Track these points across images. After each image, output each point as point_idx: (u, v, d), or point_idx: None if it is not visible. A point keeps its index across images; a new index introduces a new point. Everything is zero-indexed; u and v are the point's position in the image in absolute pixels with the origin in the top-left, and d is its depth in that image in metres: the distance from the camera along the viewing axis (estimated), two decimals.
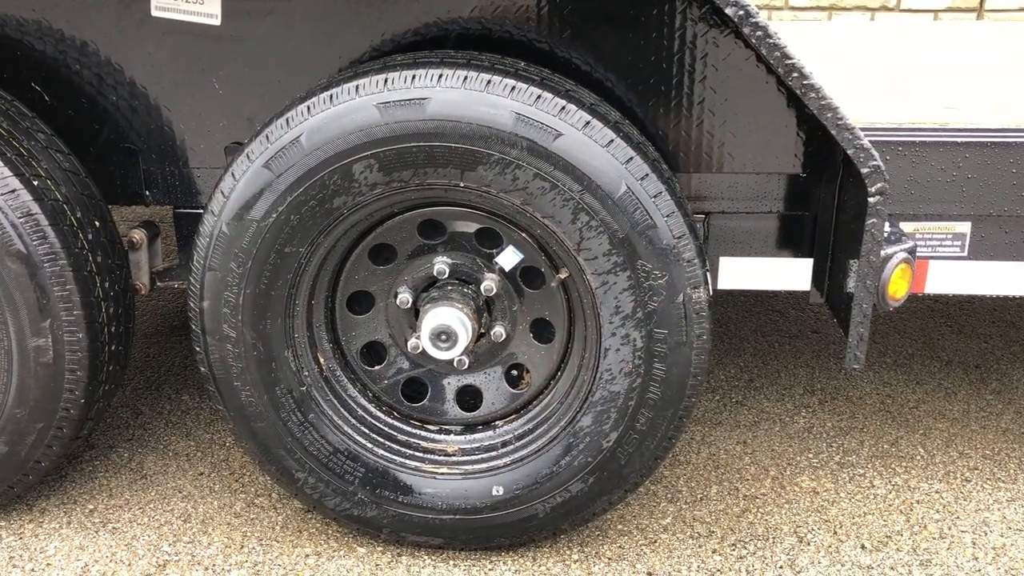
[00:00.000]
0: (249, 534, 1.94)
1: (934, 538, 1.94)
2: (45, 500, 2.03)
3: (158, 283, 1.97)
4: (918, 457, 2.21)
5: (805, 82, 1.53)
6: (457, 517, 1.79)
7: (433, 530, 1.81)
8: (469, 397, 1.86)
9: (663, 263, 1.60)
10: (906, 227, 1.88)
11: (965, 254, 1.90)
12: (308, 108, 1.58)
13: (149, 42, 1.78)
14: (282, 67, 1.78)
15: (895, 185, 1.81)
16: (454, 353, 1.71)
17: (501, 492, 1.77)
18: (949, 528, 1.96)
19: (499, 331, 1.78)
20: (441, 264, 1.74)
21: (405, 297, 1.76)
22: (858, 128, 1.55)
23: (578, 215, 1.58)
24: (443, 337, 1.70)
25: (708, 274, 1.67)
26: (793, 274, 1.94)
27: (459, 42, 1.73)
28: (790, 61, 1.52)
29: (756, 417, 2.38)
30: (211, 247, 1.65)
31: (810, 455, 2.22)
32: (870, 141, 1.73)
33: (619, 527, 1.96)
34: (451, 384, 1.85)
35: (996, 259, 1.89)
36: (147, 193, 1.93)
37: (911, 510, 2.02)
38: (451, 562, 1.85)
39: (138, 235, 1.95)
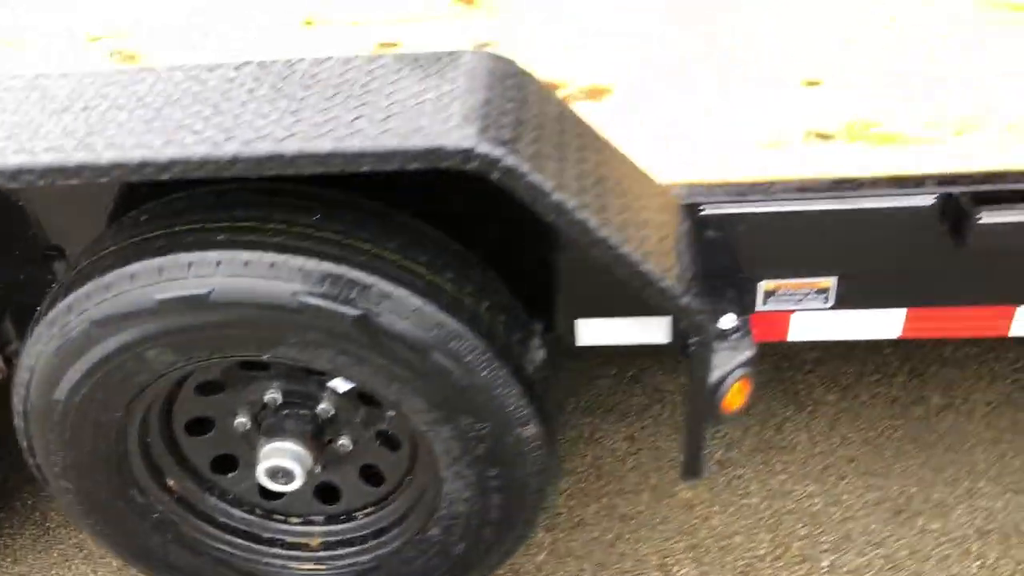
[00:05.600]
0: None
1: (795, 563, 2.02)
2: None
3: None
4: (800, 447, 2.25)
5: (613, 253, 1.38)
6: None
7: None
8: (329, 492, 1.88)
9: (484, 415, 1.54)
10: (769, 284, 1.79)
11: (830, 305, 1.81)
12: (88, 296, 1.46)
13: None
14: None
15: (754, 249, 1.71)
16: (293, 487, 1.70)
17: None
18: (811, 548, 2.04)
19: (344, 443, 1.76)
20: (273, 393, 1.69)
21: (242, 421, 1.72)
22: (675, 285, 1.42)
23: (391, 383, 1.51)
24: (279, 475, 1.68)
25: (542, 397, 1.62)
26: (653, 330, 1.87)
27: None
28: (609, 246, 1.37)
29: (649, 400, 2.39)
30: (28, 420, 1.61)
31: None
32: (730, 213, 1.64)
33: (498, 571, 2.05)
34: (310, 481, 1.86)
35: (861, 308, 1.82)
36: None
37: (779, 525, 2.08)
38: None
39: None
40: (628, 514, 2.13)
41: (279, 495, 1.87)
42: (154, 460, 1.76)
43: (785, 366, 2.45)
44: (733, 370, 1.59)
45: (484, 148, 1.29)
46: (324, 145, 1.30)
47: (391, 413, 1.67)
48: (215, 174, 1.31)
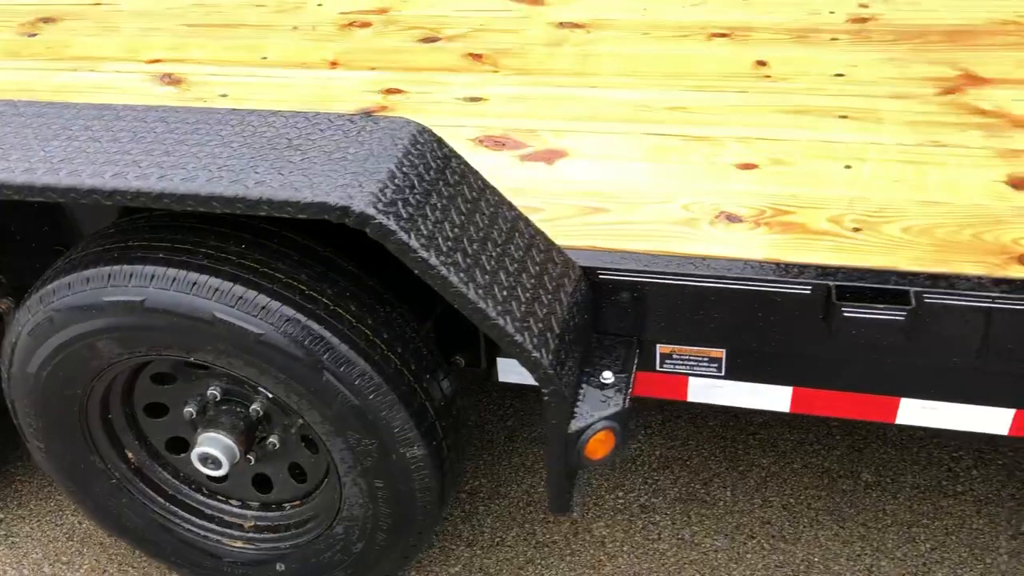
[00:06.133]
0: (113, 558, 2.35)
1: None
2: None
3: None
4: (721, 503, 2.37)
5: (471, 307, 1.58)
6: None
7: None
8: (265, 482, 2.14)
9: (371, 432, 1.77)
10: (665, 347, 1.95)
11: (722, 374, 1.95)
12: (54, 291, 1.77)
13: None
14: None
15: (648, 315, 1.87)
16: (221, 473, 1.96)
17: (283, 569, 2.09)
18: None
19: (273, 441, 2.01)
20: (214, 389, 1.96)
21: (189, 411, 1.99)
22: (527, 340, 1.61)
23: (290, 394, 1.76)
24: (209, 462, 1.95)
25: (435, 424, 1.83)
26: None
27: None
28: (468, 301, 1.57)
29: None
30: (11, 386, 1.93)
31: (619, 494, 2.41)
32: (620, 278, 1.81)
33: (412, 574, 2.26)
34: (247, 471, 2.13)
35: (750, 381, 1.95)
36: None
37: (679, 573, 2.22)
38: None
39: (4, 304, 2.23)
40: (544, 542, 2.31)
41: (224, 479, 2.14)
42: (115, 434, 2.06)
43: (731, 425, 2.57)
44: (596, 422, 1.75)
45: (359, 207, 1.52)
46: (232, 190, 1.56)
47: (300, 420, 1.91)
48: (147, 205, 1.59)
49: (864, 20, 2.74)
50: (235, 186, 1.56)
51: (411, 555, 2.01)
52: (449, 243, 1.60)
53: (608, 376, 1.82)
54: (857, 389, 1.90)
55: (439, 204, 1.64)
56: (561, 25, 2.88)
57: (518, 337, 1.61)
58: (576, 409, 1.75)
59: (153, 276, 1.69)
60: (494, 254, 1.67)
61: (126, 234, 1.79)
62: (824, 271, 1.78)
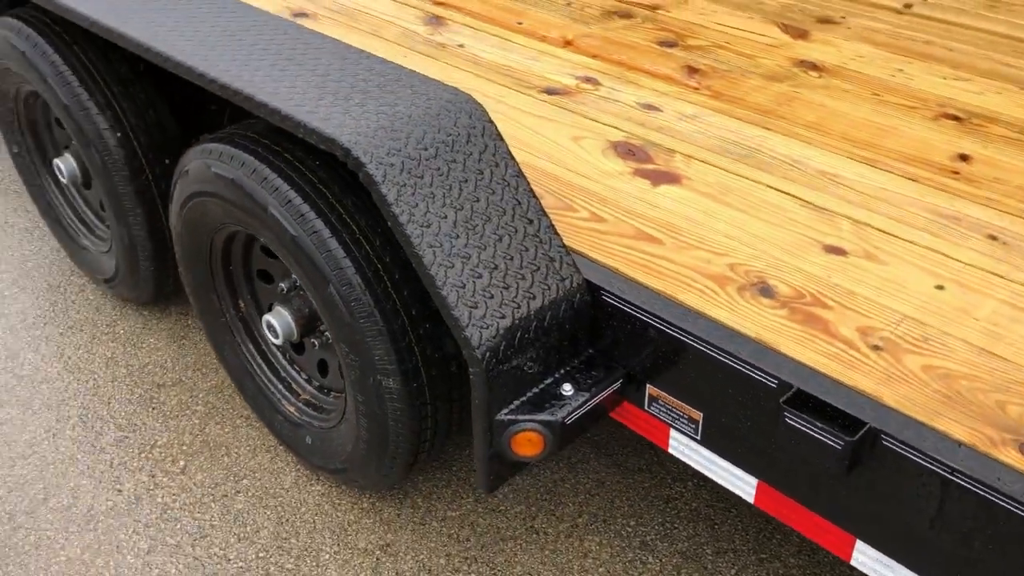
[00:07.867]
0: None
1: None
2: None
3: None
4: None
5: (424, 271, 1.73)
6: (289, 446, 2.50)
7: (288, 447, 2.56)
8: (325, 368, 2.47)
9: (356, 351, 2.00)
10: (653, 390, 1.92)
11: (698, 438, 1.89)
12: (201, 151, 2.21)
13: None
14: None
15: (640, 350, 1.87)
16: (278, 341, 2.32)
17: (310, 442, 2.43)
18: None
19: (328, 335, 2.32)
20: (296, 276, 2.32)
21: (282, 287, 2.38)
22: (465, 316, 1.72)
23: (310, 294, 2.05)
24: (271, 329, 2.32)
25: (420, 367, 2.02)
26: None
27: None
28: (422, 263, 1.72)
29: (625, 453, 2.55)
30: (170, 212, 2.45)
31: (631, 523, 2.40)
32: (615, 304, 1.86)
33: (419, 500, 2.48)
34: (314, 353, 2.47)
35: (721, 456, 1.86)
36: None
37: None
38: None
39: None
40: (536, 528, 2.40)
41: (303, 349, 2.51)
42: (233, 284, 2.51)
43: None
44: (525, 420, 1.82)
45: (358, 152, 1.74)
46: (287, 108, 1.86)
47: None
48: (233, 100, 1.95)
49: None
50: (294, 107, 1.86)
51: (390, 477, 2.23)
52: (433, 211, 1.76)
53: (567, 388, 1.87)
54: (815, 509, 1.75)
55: (448, 175, 1.80)
56: (800, 63, 2.78)
57: (455, 311, 1.74)
58: (514, 403, 1.84)
59: (244, 163, 2.06)
60: (482, 236, 1.79)
61: (253, 125, 2.18)
62: (793, 368, 1.66)
